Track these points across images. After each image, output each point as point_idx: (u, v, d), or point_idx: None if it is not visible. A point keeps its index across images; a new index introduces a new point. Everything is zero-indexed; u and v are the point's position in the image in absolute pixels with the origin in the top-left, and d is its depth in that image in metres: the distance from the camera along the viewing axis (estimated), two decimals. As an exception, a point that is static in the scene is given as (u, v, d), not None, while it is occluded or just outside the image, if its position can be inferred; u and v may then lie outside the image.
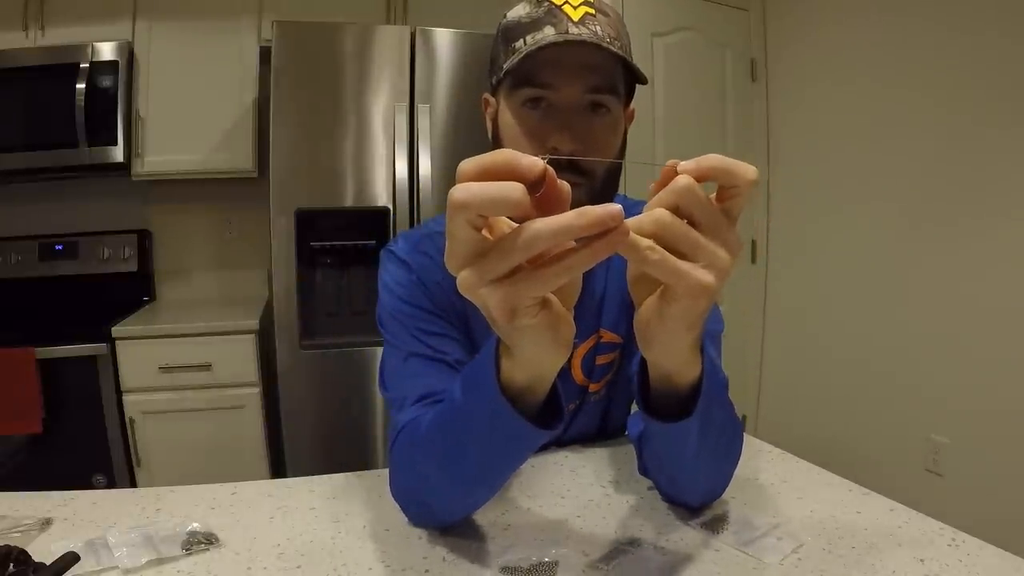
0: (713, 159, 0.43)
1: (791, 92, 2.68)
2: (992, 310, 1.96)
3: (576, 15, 0.66)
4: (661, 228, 0.41)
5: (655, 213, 0.42)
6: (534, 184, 0.38)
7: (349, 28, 1.99)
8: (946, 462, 2.10)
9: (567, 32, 0.65)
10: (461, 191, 0.38)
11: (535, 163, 0.37)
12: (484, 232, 0.39)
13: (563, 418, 0.53)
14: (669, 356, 0.52)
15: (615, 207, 0.37)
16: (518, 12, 0.70)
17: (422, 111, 2.01)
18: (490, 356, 0.51)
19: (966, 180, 2.02)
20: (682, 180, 0.42)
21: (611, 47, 0.65)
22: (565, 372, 0.85)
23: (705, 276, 0.42)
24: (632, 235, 0.40)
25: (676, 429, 0.57)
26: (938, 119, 2.09)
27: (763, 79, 2.78)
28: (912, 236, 2.19)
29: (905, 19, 2.18)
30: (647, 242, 0.41)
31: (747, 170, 0.43)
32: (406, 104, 2.00)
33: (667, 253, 0.41)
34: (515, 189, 0.37)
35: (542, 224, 0.37)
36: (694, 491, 0.71)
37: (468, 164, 0.39)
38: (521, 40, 0.67)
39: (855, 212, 2.40)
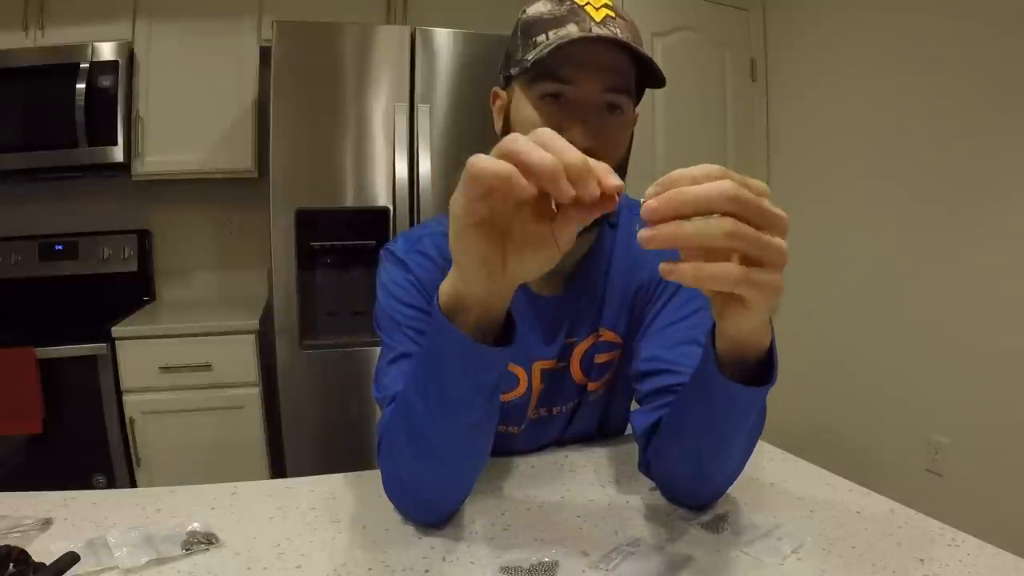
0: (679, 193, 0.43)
1: (791, 92, 2.68)
2: (992, 310, 1.96)
3: (598, 16, 0.68)
4: (730, 236, 0.42)
5: (726, 224, 0.42)
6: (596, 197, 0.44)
7: (349, 28, 1.99)
8: (946, 462, 2.10)
9: (590, 31, 0.66)
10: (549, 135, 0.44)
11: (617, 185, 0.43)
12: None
13: (512, 340, 0.55)
14: (744, 331, 0.53)
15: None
16: (539, 8, 0.71)
17: (422, 111, 2.01)
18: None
19: (966, 181, 2.02)
20: (728, 187, 0.42)
21: (636, 46, 0.67)
22: (564, 371, 0.85)
23: (776, 277, 0.45)
24: (711, 266, 0.43)
25: (754, 395, 0.57)
26: (938, 118, 2.09)
27: (763, 79, 2.77)
28: (912, 236, 2.19)
29: (905, 19, 2.18)
30: (736, 268, 0.43)
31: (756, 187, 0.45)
32: (406, 104, 2.00)
33: (746, 269, 0.43)
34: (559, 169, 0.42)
35: (533, 145, 0.43)
36: (718, 478, 0.69)
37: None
38: (543, 35, 0.68)
39: (855, 212, 2.40)
